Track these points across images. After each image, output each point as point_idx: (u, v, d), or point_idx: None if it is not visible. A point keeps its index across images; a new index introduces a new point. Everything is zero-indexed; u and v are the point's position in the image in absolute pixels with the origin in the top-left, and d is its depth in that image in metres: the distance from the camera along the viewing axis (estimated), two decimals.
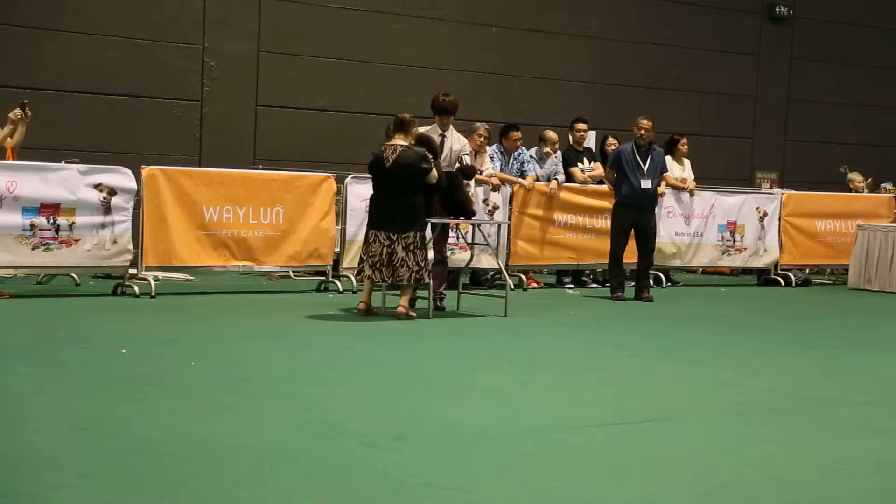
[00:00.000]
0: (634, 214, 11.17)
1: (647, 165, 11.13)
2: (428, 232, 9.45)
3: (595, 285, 12.60)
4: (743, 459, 4.75)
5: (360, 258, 9.20)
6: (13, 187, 9.30)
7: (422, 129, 9.56)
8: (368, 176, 11.35)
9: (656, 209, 11.68)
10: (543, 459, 4.62)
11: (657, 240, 11.80)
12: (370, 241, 9.04)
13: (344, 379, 6.30)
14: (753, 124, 17.69)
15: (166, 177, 10.15)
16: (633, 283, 11.38)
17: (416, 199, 8.93)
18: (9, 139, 9.87)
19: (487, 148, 11.43)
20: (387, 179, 8.93)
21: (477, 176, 11.13)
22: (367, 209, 9.35)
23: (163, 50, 13.35)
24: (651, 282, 11.82)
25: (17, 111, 9.78)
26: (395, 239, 8.88)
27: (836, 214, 14.10)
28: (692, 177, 13.22)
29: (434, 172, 8.94)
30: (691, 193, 12.95)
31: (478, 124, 11.03)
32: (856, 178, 15.40)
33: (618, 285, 11.20)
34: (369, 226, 9.12)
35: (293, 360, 6.90)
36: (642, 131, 11.17)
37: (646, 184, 11.11)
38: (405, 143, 8.96)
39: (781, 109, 17.88)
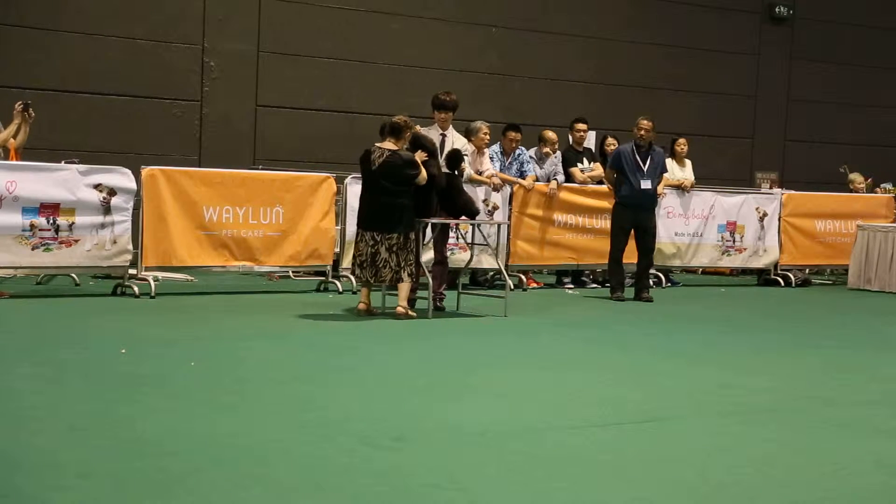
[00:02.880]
0: (634, 215, 11.17)
1: (647, 166, 11.13)
2: (428, 232, 9.45)
3: (595, 285, 12.60)
4: (743, 459, 4.75)
5: (353, 257, 9.28)
6: (13, 187, 9.29)
7: (422, 130, 9.56)
8: None
9: (656, 209, 11.68)
10: (543, 459, 4.62)
11: (657, 240, 11.81)
12: (357, 240, 9.15)
13: (344, 379, 6.30)
14: (753, 124, 17.69)
15: (166, 177, 10.14)
16: (632, 283, 11.38)
17: (401, 200, 8.94)
18: (12, 140, 9.86)
19: (486, 149, 11.42)
20: (372, 181, 8.99)
21: (477, 177, 11.15)
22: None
23: (163, 50, 13.34)
24: (651, 282, 11.82)
25: (18, 106, 9.76)
26: (379, 239, 8.92)
27: (835, 214, 14.10)
28: (692, 178, 13.22)
29: (423, 175, 8.96)
30: (686, 190, 12.91)
31: (479, 123, 11.02)
32: (856, 178, 15.39)
33: (618, 285, 11.20)
34: (357, 224, 9.18)
35: (293, 360, 6.90)
36: (642, 131, 11.16)
37: (646, 184, 11.11)
38: (394, 148, 8.96)
39: (781, 109, 17.88)
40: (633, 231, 11.29)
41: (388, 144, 9.02)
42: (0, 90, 11.86)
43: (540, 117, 14.40)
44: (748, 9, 17.38)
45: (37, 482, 3.98)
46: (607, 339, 8.54)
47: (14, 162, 9.66)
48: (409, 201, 8.99)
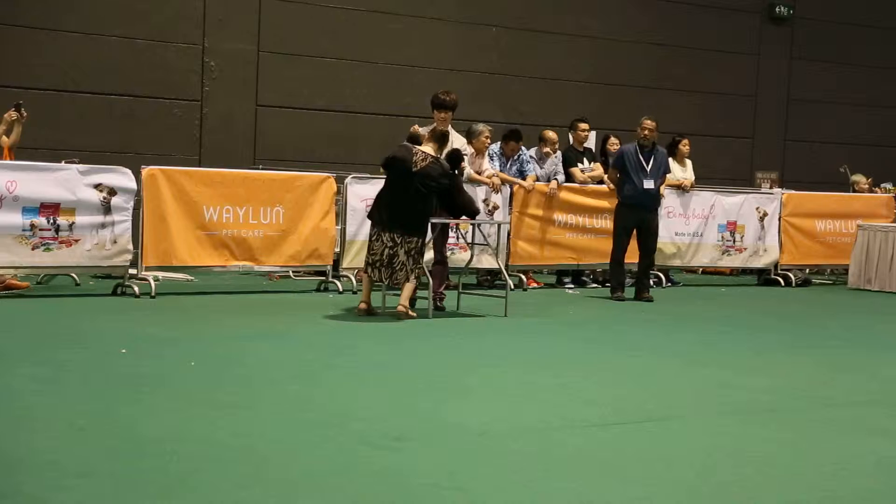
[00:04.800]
0: (637, 215, 11.16)
1: (650, 166, 11.11)
2: (428, 232, 9.45)
3: (595, 285, 12.59)
4: (743, 459, 4.75)
5: (366, 255, 9.22)
6: (13, 187, 9.29)
7: (421, 129, 9.55)
8: (368, 176, 11.41)
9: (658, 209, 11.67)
10: (543, 459, 4.62)
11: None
12: (373, 239, 9.06)
13: (344, 379, 6.30)
14: (753, 124, 17.69)
15: (166, 177, 10.14)
16: (632, 283, 11.38)
17: (426, 205, 8.97)
18: (4, 138, 9.86)
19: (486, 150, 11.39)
20: (406, 183, 8.86)
21: (477, 177, 11.14)
22: (372, 203, 9.32)
23: (163, 50, 13.35)
24: (651, 282, 11.81)
25: (13, 112, 9.77)
26: (398, 242, 8.88)
27: (836, 214, 14.10)
28: (693, 178, 13.22)
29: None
30: (686, 190, 12.90)
31: (481, 127, 10.98)
32: (860, 179, 15.40)
33: (618, 285, 11.19)
34: (374, 222, 9.10)
35: (293, 360, 6.90)
36: (646, 131, 11.14)
37: (648, 184, 11.10)
38: (435, 156, 8.98)
39: (781, 109, 17.87)
40: (635, 231, 11.29)
41: (429, 150, 9.01)
42: (0, 90, 11.86)
43: (540, 117, 14.40)
44: (748, 9, 17.38)
45: (37, 482, 3.98)
46: (607, 339, 8.54)
47: (14, 162, 9.66)
48: (430, 207, 9.02)
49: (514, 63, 15.48)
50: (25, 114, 9.87)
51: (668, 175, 12.21)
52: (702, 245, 13.16)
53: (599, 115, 14.59)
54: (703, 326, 9.51)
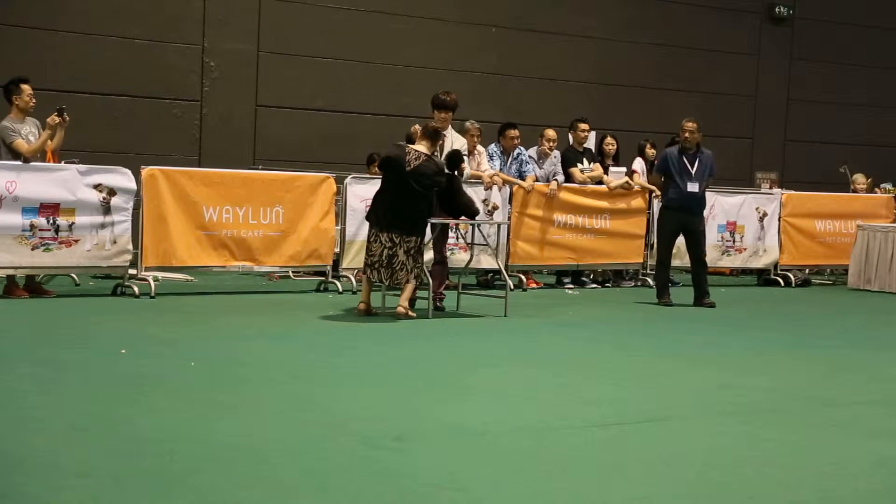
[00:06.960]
0: (681, 219, 10.77)
1: (694, 168, 10.78)
2: (428, 232, 9.45)
3: (595, 285, 12.59)
4: (743, 459, 4.75)
5: (365, 257, 9.22)
6: (13, 187, 9.29)
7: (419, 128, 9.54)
8: (368, 176, 11.41)
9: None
10: (543, 459, 4.62)
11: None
12: (371, 240, 9.05)
13: (344, 379, 6.30)
14: (753, 124, 17.69)
15: (166, 177, 10.14)
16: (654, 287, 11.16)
17: (423, 204, 8.96)
18: (49, 142, 9.88)
19: (481, 147, 11.35)
20: (402, 182, 8.85)
21: (478, 172, 11.12)
22: (370, 205, 9.32)
23: (163, 50, 13.34)
24: (652, 282, 11.80)
25: (55, 116, 9.76)
26: (397, 242, 8.87)
27: (835, 214, 14.09)
28: None
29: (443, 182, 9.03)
30: None
31: (468, 123, 10.94)
32: (859, 178, 15.40)
33: (664, 288, 10.88)
34: (372, 223, 9.10)
35: (293, 360, 6.90)
36: (686, 134, 10.80)
37: (693, 187, 10.72)
38: (428, 153, 8.97)
39: (781, 109, 17.87)
40: (682, 236, 10.90)
41: (422, 148, 9.00)
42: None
43: (540, 117, 14.39)
44: (748, 9, 17.38)
45: (37, 482, 3.98)
46: (607, 339, 8.54)
47: (14, 162, 9.65)
48: (428, 206, 9.01)
49: (513, 63, 15.48)
50: (68, 118, 9.85)
51: None
52: None
53: (599, 115, 14.59)
54: (703, 326, 9.50)
